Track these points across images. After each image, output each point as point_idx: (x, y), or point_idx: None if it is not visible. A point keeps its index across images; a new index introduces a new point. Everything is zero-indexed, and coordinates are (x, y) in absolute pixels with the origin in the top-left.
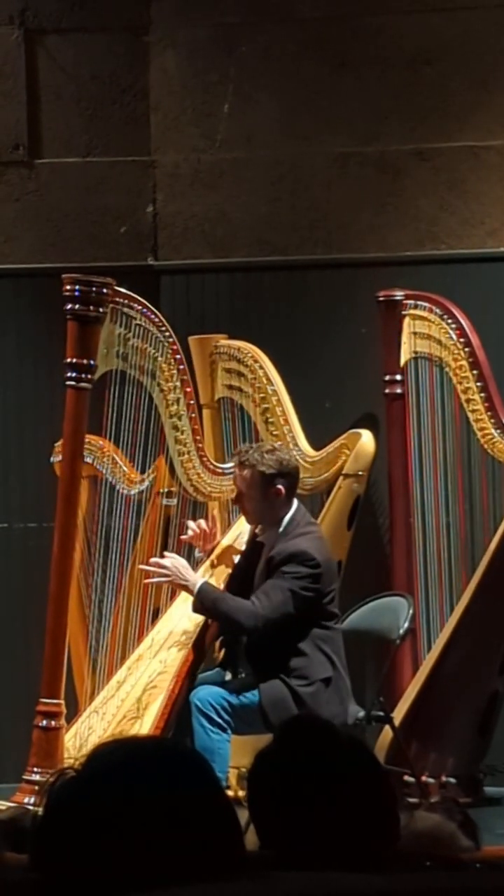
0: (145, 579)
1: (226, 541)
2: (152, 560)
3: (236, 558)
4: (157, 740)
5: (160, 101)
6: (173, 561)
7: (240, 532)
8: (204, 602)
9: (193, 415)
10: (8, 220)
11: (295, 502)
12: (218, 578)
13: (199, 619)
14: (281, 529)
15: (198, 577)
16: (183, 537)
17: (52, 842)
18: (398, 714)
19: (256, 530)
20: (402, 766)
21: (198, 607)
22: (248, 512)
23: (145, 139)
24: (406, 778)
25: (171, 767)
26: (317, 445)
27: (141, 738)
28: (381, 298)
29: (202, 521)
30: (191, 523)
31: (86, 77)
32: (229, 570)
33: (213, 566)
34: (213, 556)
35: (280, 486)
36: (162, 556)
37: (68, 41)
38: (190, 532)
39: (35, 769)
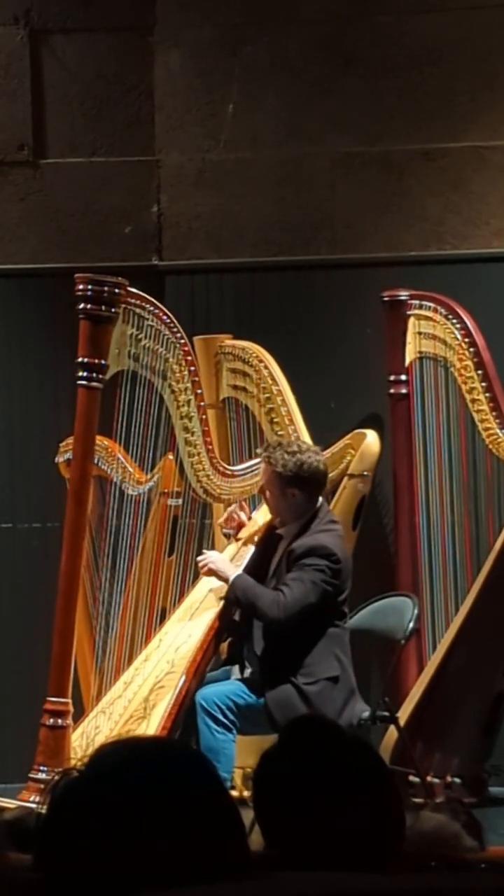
0: (201, 572)
1: (258, 518)
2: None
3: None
4: (160, 740)
5: (165, 101)
6: (215, 554)
7: (267, 515)
8: (237, 593)
9: (204, 416)
10: (13, 220)
11: (320, 500)
12: (245, 554)
13: (208, 619)
14: (302, 525)
15: (234, 568)
16: (223, 518)
17: (56, 842)
18: (403, 714)
19: (276, 521)
20: (407, 767)
21: (231, 598)
22: (268, 505)
23: (150, 139)
24: (411, 778)
25: (174, 767)
26: (322, 446)
27: (144, 738)
28: (385, 298)
29: (243, 514)
30: (236, 509)
31: (90, 77)
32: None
33: (240, 546)
34: (243, 534)
35: (295, 490)
36: (169, 557)
37: (73, 41)
38: (228, 513)
39: (41, 768)
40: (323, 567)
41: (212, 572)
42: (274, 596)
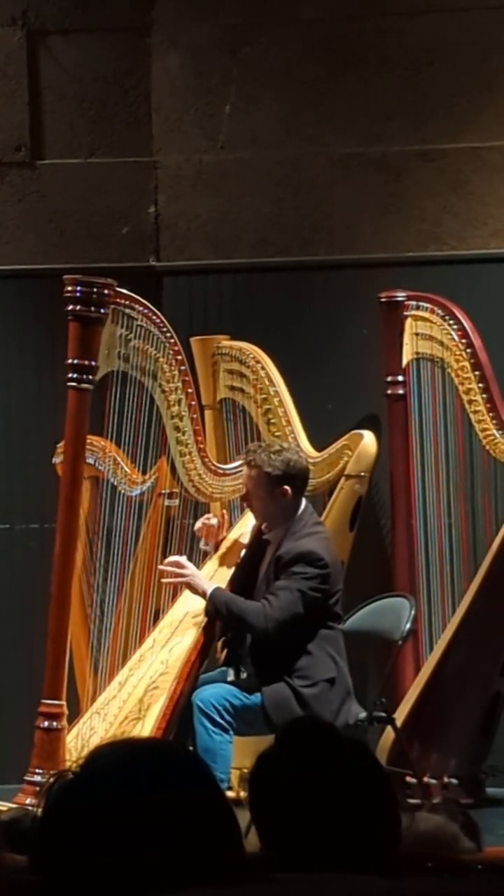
0: (162, 579)
1: (232, 535)
2: (172, 559)
3: (242, 552)
4: (155, 741)
5: (163, 101)
6: (189, 567)
7: (246, 528)
8: (217, 606)
9: (195, 416)
10: (10, 221)
11: (304, 502)
12: (224, 572)
13: (202, 619)
14: (288, 529)
15: (209, 583)
16: (196, 526)
17: (51, 843)
18: (400, 715)
19: (263, 527)
20: (404, 767)
21: (210, 611)
22: (255, 510)
23: (148, 140)
24: (408, 779)
25: (169, 769)
26: (319, 446)
27: (139, 739)
28: (383, 299)
29: (213, 518)
30: (202, 519)
31: (88, 78)
32: (235, 564)
33: (220, 561)
34: (220, 551)
35: (286, 488)
36: (164, 557)
37: (71, 42)
38: (199, 524)
39: (37, 770)
40: (311, 574)
41: (189, 587)
42: (259, 607)
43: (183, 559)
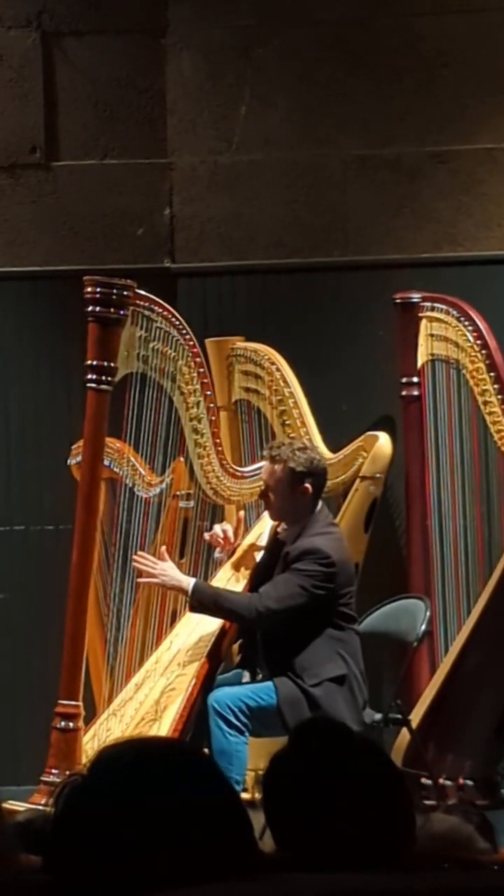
0: (137, 578)
1: (247, 541)
2: (139, 554)
3: (258, 556)
4: (162, 740)
5: (177, 103)
6: (161, 563)
7: (261, 532)
8: (201, 600)
9: (213, 418)
10: (24, 223)
11: (320, 503)
12: (240, 578)
13: (218, 621)
14: (303, 528)
15: (188, 577)
16: (206, 535)
17: (64, 844)
18: (415, 716)
19: (278, 528)
20: (419, 769)
21: (195, 605)
22: (272, 507)
23: (162, 141)
24: (423, 780)
25: (177, 767)
26: (334, 448)
27: (146, 738)
28: (397, 301)
29: (227, 526)
30: (216, 527)
31: (102, 79)
32: (250, 569)
33: (234, 567)
34: (234, 557)
35: (307, 485)
36: (180, 559)
37: (85, 44)
38: (215, 531)
39: (53, 770)
40: (314, 571)
41: (164, 585)
42: (247, 598)
43: (162, 559)
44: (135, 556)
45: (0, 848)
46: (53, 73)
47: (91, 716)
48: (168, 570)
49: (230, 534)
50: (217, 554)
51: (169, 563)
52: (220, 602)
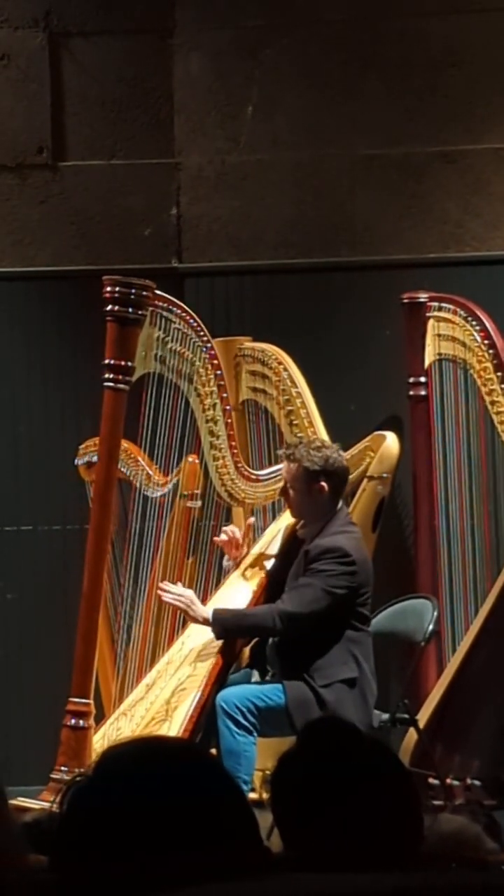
0: (162, 598)
1: (256, 549)
2: (165, 584)
3: (268, 564)
4: (167, 739)
5: (184, 103)
6: (186, 593)
7: (271, 540)
8: (224, 625)
9: (229, 420)
10: (32, 223)
11: (340, 503)
12: (247, 586)
13: None
14: (322, 527)
15: (205, 608)
16: (216, 539)
17: (71, 843)
18: (423, 716)
19: (298, 527)
20: (426, 769)
21: (220, 633)
22: (292, 505)
23: (169, 141)
24: (431, 780)
25: (180, 767)
26: (341, 447)
27: (150, 737)
28: (405, 300)
29: (235, 528)
30: (227, 529)
31: (110, 80)
32: (260, 576)
33: (243, 575)
34: (244, 565)
35: (323, 484)
36: (188, 559)
37: (92, 44)
38: (223, 536)
39: (62, 768)
40: (337, 571)
41: (186, 614)
42: (267, 610)
43: (181, 588)
44: (160, 586)
45: (7, 847)
46: (61, 73)
47: (100, 716)
48: (193, 605)
49: (237, 535)
50: (226, 562)
51: (190, 592)
52: (242, 622)
